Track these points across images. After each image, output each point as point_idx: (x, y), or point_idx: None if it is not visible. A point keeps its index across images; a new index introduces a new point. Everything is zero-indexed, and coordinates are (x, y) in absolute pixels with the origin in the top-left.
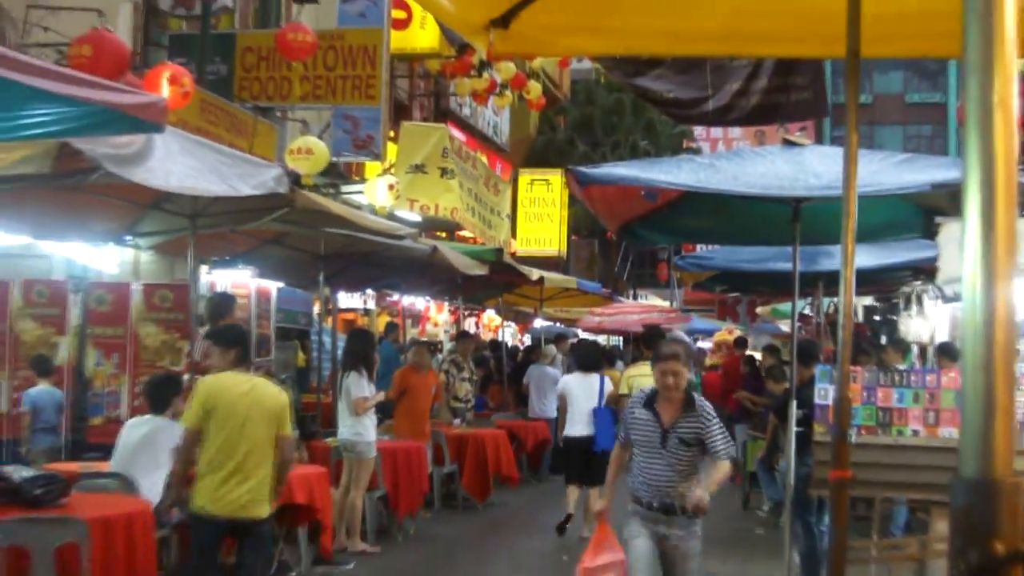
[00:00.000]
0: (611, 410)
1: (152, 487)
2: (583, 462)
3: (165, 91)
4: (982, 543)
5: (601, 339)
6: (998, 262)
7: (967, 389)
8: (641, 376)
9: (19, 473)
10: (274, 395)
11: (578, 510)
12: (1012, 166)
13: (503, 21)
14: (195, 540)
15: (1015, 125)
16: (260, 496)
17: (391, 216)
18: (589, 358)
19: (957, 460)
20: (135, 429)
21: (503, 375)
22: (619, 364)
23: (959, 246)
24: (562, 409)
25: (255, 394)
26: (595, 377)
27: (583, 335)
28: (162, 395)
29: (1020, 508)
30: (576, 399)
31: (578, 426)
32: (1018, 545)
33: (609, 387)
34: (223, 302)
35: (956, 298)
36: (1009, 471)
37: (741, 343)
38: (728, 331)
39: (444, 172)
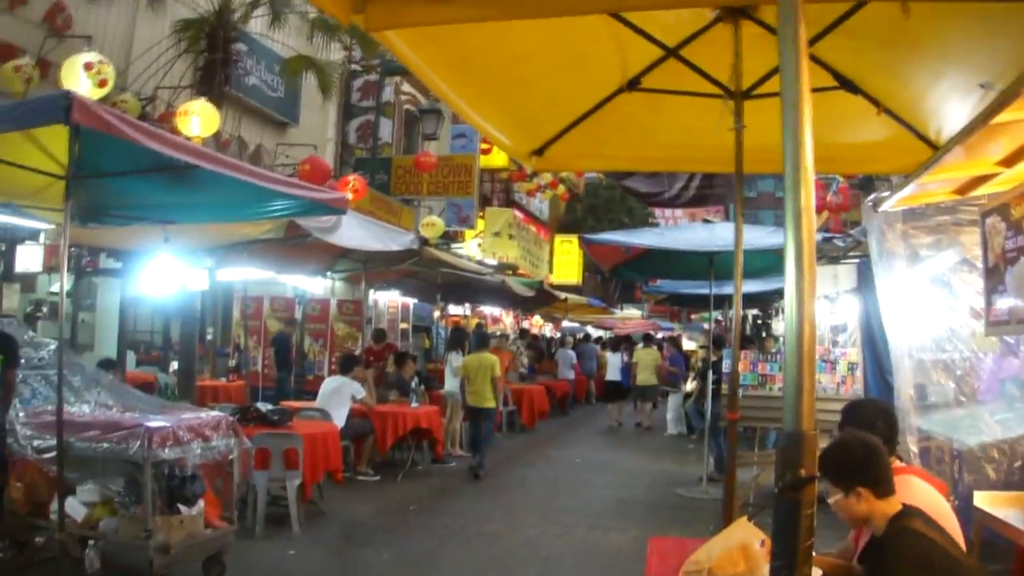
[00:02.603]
0: (627, 366)
1: (339, 418)
2: (616, 392)
3: (349, 193)
4: (793, 469)
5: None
6: (805, 293)
7: (787, 377)
8: (645, 353)
9: (265, 407)
10: (490, 358)
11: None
12: (811, 243)
13: (540, 151)
14: (467, 413)
15: (813, 221)
16: (487, 398)
17: (479, 262)
18: (615, 344)
19: (783, 419)
20: (330, 383)
21: (543, 354)
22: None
23: None
24: (603, 367)
25: (482, 359)
26: (619, 353)
27: (593, 333)
28: (347, 364)
29: (815, 449)
30: (611, 362)
31: (613, 375)
32: (813, 471)
33: (624, 358)
34: (380, 331)
35: None
36: (811, 427)
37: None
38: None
39: (511, 236)
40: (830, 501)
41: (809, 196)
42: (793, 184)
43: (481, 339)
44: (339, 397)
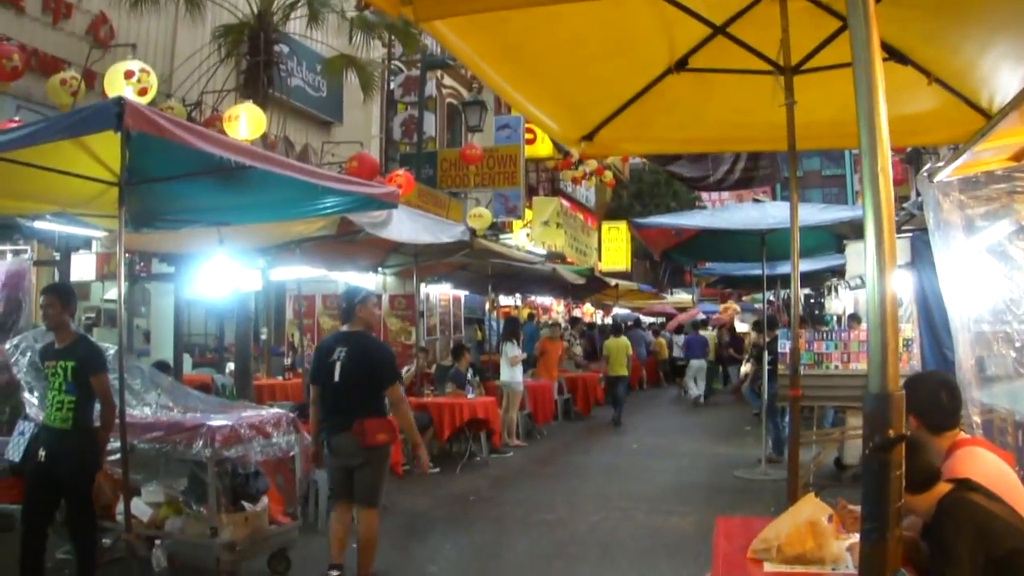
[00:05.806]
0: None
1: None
2: (677, 369)
3: (396, 187)
4: (882, 431)
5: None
6: (885, 264)
7: (872, 339)
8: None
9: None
10: (624, 341)
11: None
12: (891, 209)
13: (589, 137)
14: (606, 381)
15: (891, 183)
16: (621, 369)
17: (528, 251)
18: (679, 328)
19: (867, 381)
20: None
21: (596, 348)
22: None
23: (858, 256)
24: (654, 352)
25: (619, 342)
26: (682, 335)
27: (644, 319)
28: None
29: (903, 409)
30: (677, 342)
31: (678, 352)
32: (901, 431)
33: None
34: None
35: (856, 287)
36: (896, 387)
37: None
38: (725, 307)
39: (558, 225)
40: None
41: (885, 158)
42: (869, 147)
43: (616, 327)
44: None
